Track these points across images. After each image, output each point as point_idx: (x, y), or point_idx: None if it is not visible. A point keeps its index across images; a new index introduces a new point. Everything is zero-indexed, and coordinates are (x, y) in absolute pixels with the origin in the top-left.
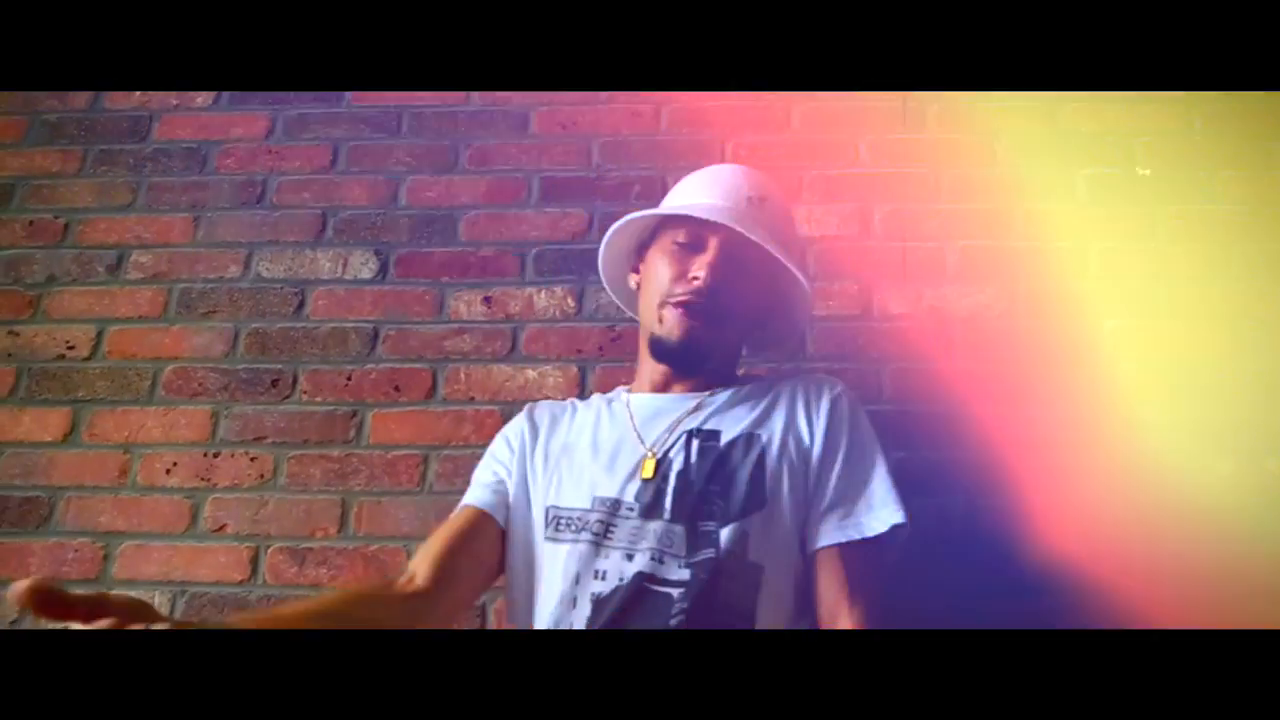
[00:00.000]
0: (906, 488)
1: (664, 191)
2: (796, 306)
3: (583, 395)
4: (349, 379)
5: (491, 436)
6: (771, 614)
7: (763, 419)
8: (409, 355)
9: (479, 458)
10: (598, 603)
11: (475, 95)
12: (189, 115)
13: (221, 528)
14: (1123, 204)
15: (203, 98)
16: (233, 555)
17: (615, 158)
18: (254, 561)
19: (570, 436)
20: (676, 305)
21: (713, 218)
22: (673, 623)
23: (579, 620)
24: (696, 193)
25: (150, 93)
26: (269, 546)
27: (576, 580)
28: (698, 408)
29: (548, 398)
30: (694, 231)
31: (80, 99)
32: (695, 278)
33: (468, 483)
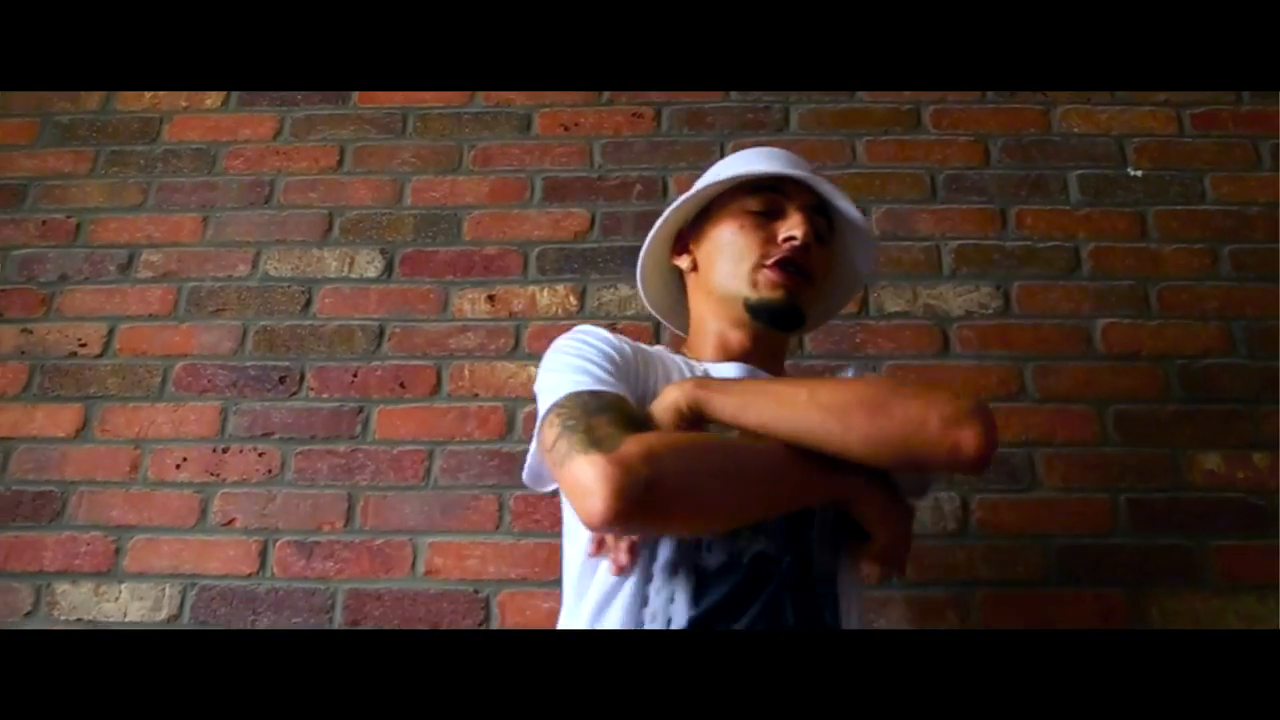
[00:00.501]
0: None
1: (665, 191)
2: (854, 281)
3: None
4: (355, 376)
5: (495, 433)
6: (848, 575)
7: None
8: (414, 352)
9: (483, 453)
10: (702, 575)
11: (479, 97)
12: (198, 117)
13: (230, 522)
14: (1115, 204)
15: (212, 100)
16: (241, 549)
17: (616, 158)
18: (262, 555)
19: (658, 391)
20: (774, 267)
21: (793, 174)
22: (785, 596)
23: (682, 590)
24: (755, 166)
25: (160, 95)
26: (277, 540)
27: (678, 544)
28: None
29: None
30: (770, 199)
31: (92, 101)
32: (791, 238)
33: (473, 477)
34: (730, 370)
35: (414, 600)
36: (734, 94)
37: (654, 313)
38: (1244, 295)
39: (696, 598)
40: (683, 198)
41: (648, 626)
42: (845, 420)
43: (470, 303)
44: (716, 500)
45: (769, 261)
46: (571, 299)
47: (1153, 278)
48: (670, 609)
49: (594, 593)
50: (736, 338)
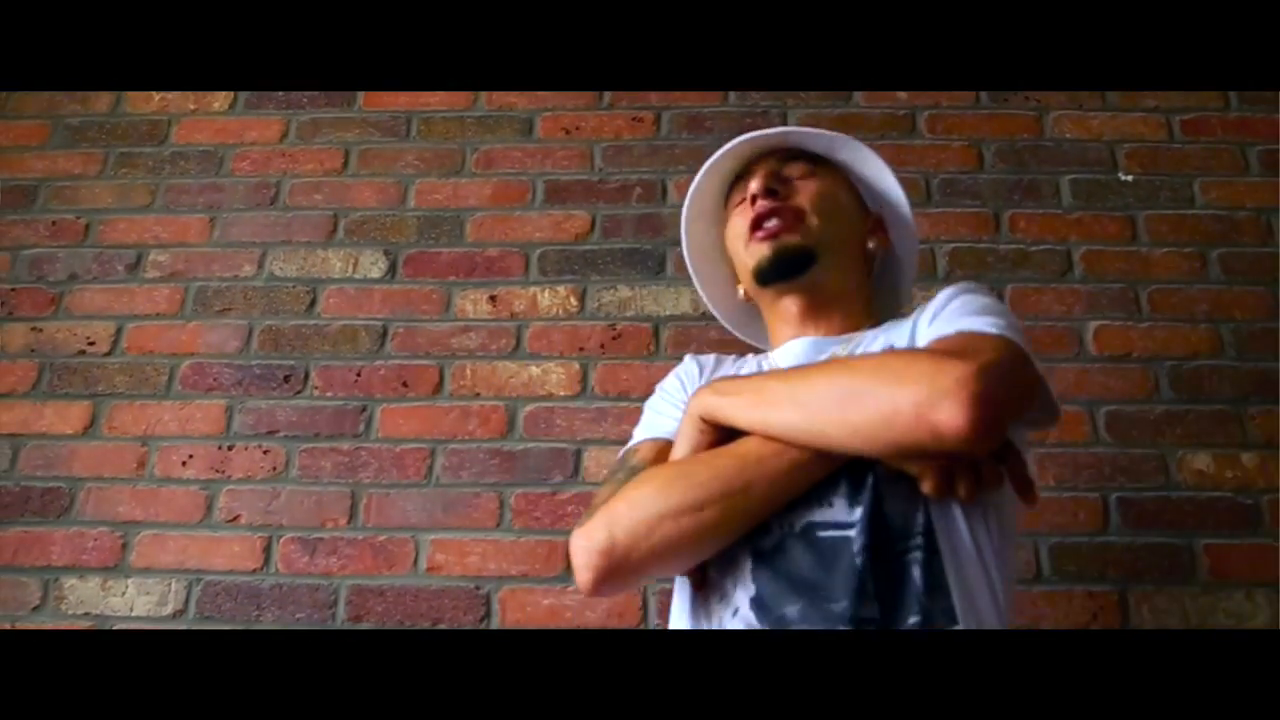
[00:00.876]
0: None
1: (664, 194)
2: (890, 200)
3: (584, 392)
4: (359, 375)
5: (496, 432)
6: (954, 526)
7: (898, 338)
8: (417, 352)
9: (484, 452)
10: (759, 557)
11: (481, 101)
12: (206, 120)
13: (235, 518)
14: (1106, 208)
15: (219, 103)
16: (246, 545)
17: (616, 162)
18: (266, 551)
19: None
20: (750, 233)
21: (733, 145)
22: (858, 561)
23: (746, 576)
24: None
25: (169, 98)
26: (281, 536)
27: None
28: (850, 344)
29: (550, 394)
30: (743, 187)
31: (101, 104)
32: (752, 199)
33: (474, 475)
34: (790, 349)
35: (416, 596)
36: (732, 98)
37: (738, 328)
38: (1232, 298)
39: (757, 582)
40: (684, 240)
41: (726, 620)
42: (819, 418)
43: (472, 303)
44: (683, 535)
45: (744, 237)
46: (572, 300)
47: (1143, 280)
48: (736, 598)
49: (687, 592)
50: (782, 316)
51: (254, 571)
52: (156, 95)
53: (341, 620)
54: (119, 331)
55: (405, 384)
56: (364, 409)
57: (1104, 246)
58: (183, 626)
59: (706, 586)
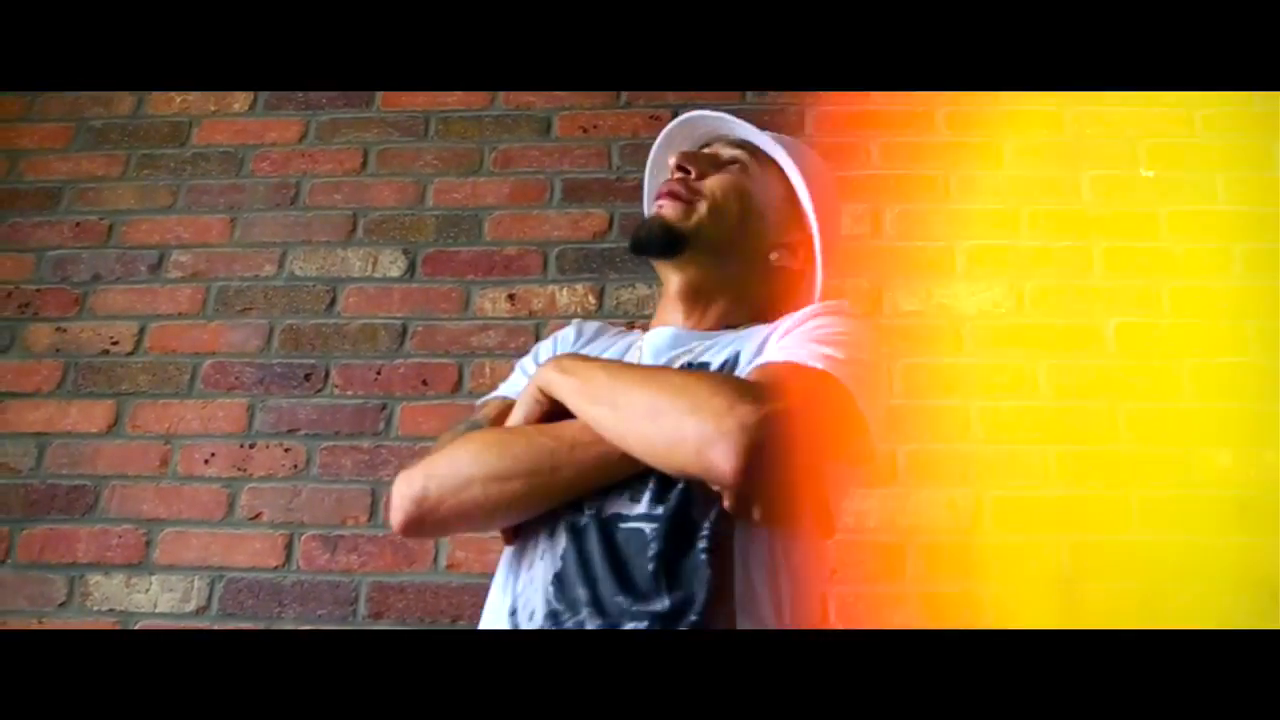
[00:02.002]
0: (915, 480)
1: None
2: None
3: None
4: (378, 373)
5: None
6: (743, 528)
7: (750, 347)
8: (436, 350)
9: None
10: (574, 530)
11: (499, 100)
12: (226, 121)
13: (257, 516)
14: (1127, 204)
15: (239, 104)
16: (268, 542)
17: (635, 160)
18: (288, 548)
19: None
20: (653, 203)
21: (681, 121)
22: (650, 559)
23: (559, 547)
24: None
25: (189, 100)
26: (302, 534)
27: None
28: (709, 343)
29: None
30: None
31: (123, 106)
32: (673, 169)
33: None
34: (657, 335)
35: (435, 593)
36: (749, 96)
37: None
38: (1256, 295)
39: (564, 560)
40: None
41: (532, 587)
42: (623, 425)
43: (491, 302)
44: (488, 500)
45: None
46: (590, 298)
47: (1165, 278)
48: (544, 569)
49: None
50: (666, 293)
51: (276, 569)
52: (177, 97)
53: (362, 617)
54: (142, 331)
55: (425, 382)
56: (384, 407)
57: (1125, 244)
58: (205, 623)
59: (523, 545)
